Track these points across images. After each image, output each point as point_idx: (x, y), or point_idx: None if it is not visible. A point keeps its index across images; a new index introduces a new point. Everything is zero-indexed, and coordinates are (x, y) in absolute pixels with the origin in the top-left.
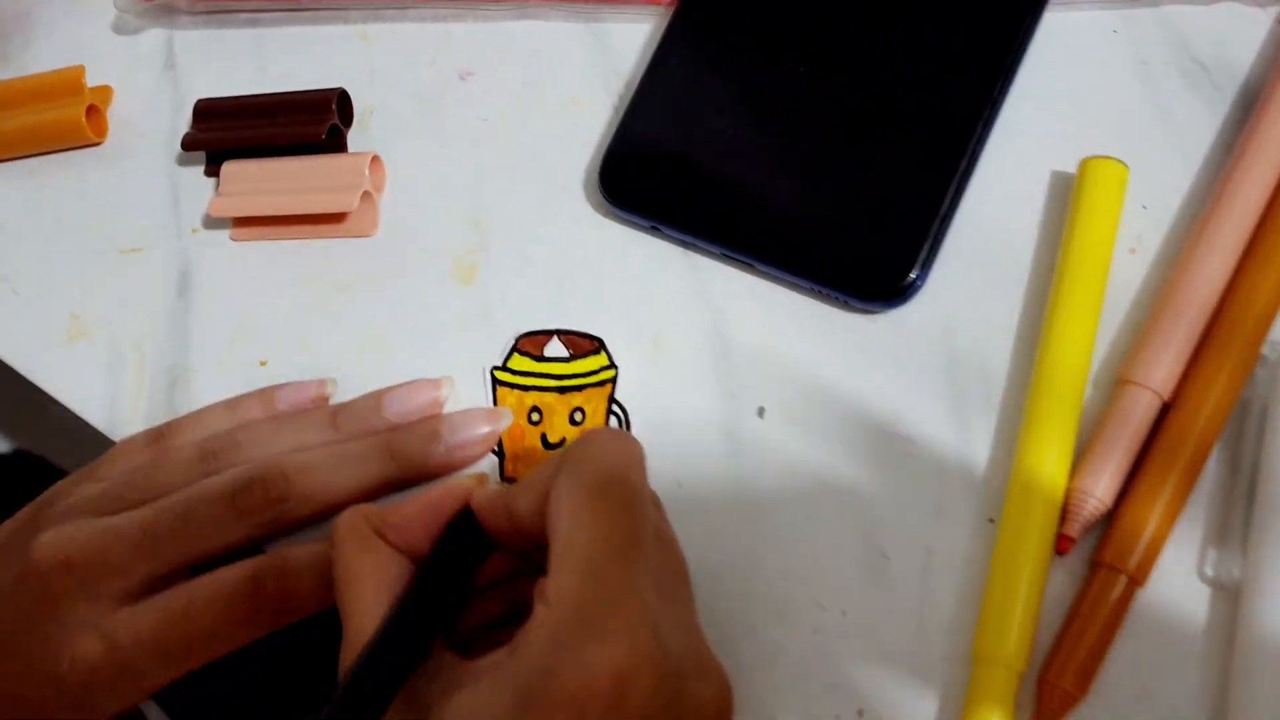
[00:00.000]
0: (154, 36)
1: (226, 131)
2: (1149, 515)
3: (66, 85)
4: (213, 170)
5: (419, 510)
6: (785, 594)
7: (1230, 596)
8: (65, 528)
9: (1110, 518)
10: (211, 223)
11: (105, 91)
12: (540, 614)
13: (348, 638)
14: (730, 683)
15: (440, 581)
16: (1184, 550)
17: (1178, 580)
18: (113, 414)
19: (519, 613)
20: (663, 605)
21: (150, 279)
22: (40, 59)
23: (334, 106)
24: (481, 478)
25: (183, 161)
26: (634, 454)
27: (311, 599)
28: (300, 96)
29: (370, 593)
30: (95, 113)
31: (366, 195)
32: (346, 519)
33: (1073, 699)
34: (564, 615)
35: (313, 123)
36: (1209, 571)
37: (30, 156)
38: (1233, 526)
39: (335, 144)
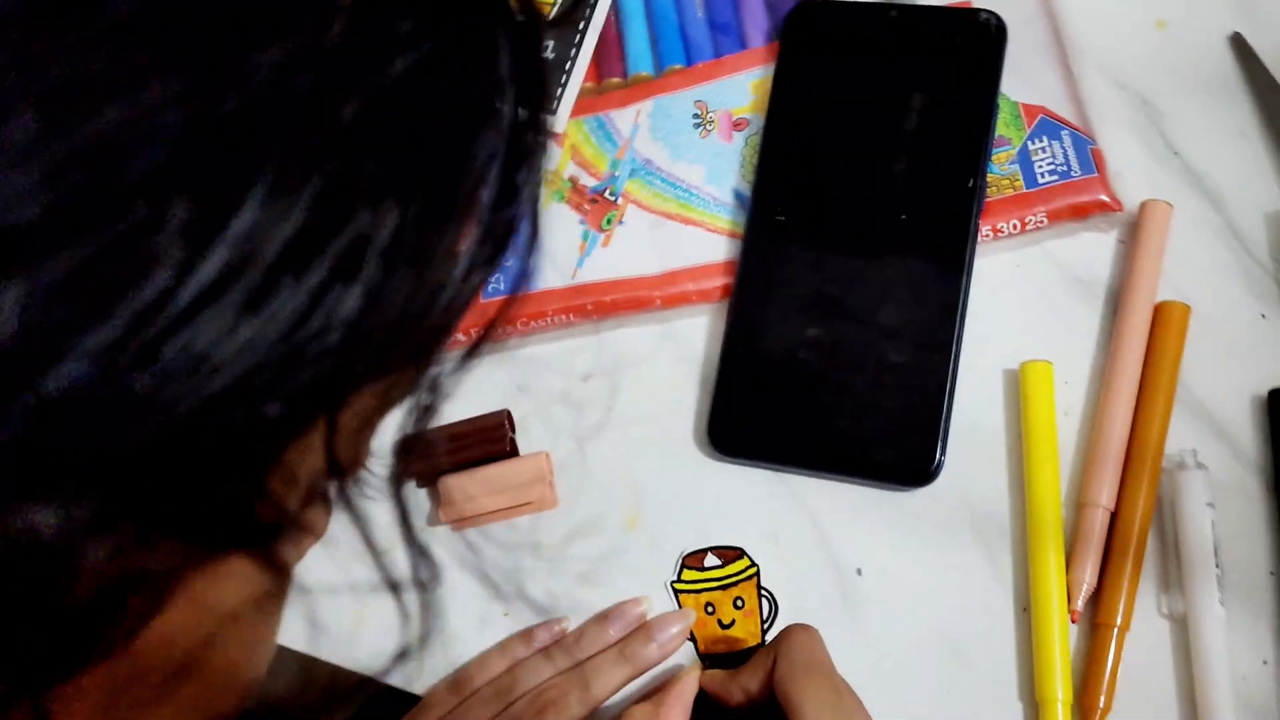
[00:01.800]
0: None
1: (434, 459)
2: (1119, 585)
3: None
4: (423, 483)
5: (673, 699)
6: (904, 682)
7: (1179, 625)
8: None
9: (1097, 594)
10: (435, 520)
11: None
12: None
13: None
14: None
15: None
16: (1148, 600)
17: (1146, 622)
18: (407, 675)
19: None
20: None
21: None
22: None
23: (506, 424)
24: (699, 667)
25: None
26: (819, 639)
27: None
28: (479, 421)
29: None
30: None
31: (548, 482)
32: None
33: (1103, 713)
34: None
35: (497, 439)
36: (1165, 611)
37: None
38: (1173, 577)
39: (513, 449)
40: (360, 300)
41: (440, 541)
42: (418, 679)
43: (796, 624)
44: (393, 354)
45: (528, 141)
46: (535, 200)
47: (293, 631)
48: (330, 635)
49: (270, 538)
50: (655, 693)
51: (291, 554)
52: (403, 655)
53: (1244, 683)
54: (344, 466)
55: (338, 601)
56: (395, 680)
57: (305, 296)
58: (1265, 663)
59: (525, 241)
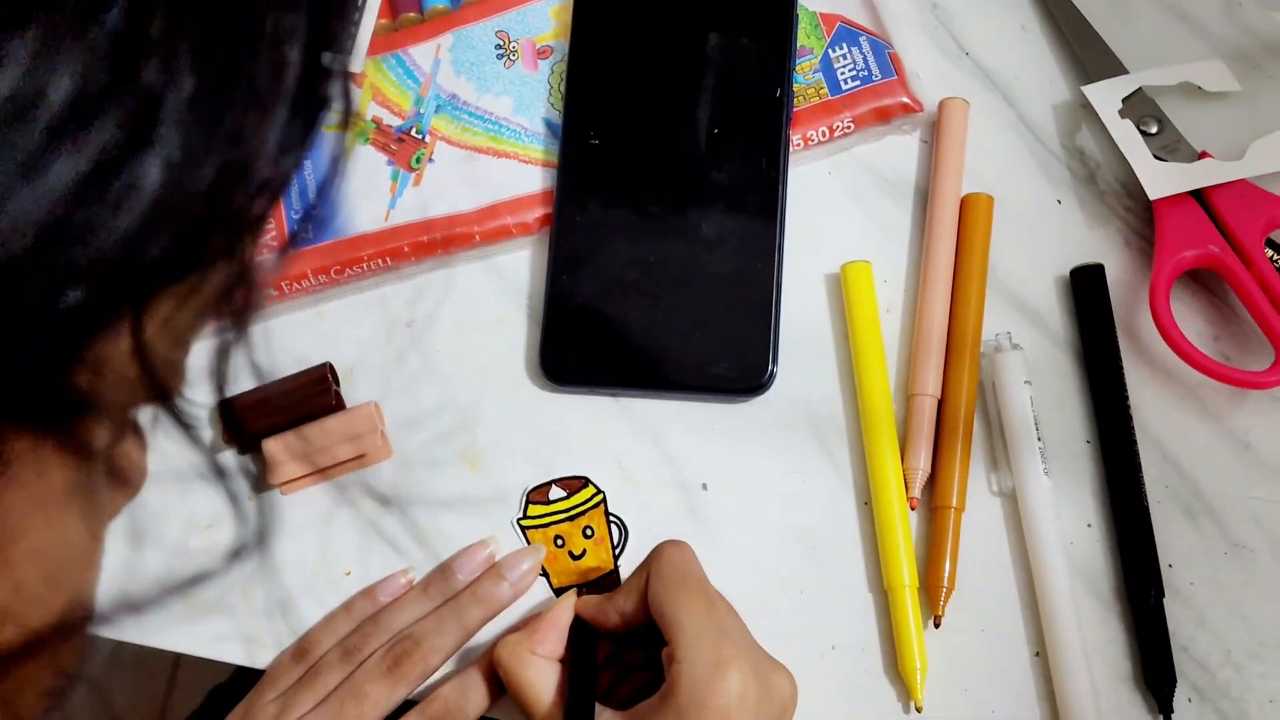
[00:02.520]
0: None
1: (254, 418)
2: (952, 468)
3: None
4: (243, 449)
5: (547, 628)
6: (760, 587)
7: (1010, 500)
8: None
9: (932, 478)
10: (262, 486)
11: None
12: (679, 669)
13: None
14: (784, 665)
15: (583, 666)
16: (978, 481)
17: (980, 500)
18: (251, 652)
19: (629, 669)
20: (738, 635)
21: (231, 544)
22: None
23: (329, 377)
24: (574, 594)
25: (220, 447)
26: (689, 552)
27: (475, 717)
28: (300, 378)
29: (543, 693)
30: None
31: (380, 433)
32: (506, 650)
33: (948, 592)
34: (697, 664)
35: (321, 394)
36: (995, 488)
37: None
38: (1000, 455)
39: (340, 402)
40: (159, 172)
41: (275, 507)
42: (260, 653)
43: (667, 541)
44: (200, 241)
45: (331, 26)
46: (346, 90)
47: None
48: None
49: (73, 418)
50: (529, 623)
51: (108, 503)
52: (238, 553)
53: (1072, 546)
54: (160, 379)
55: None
56: (236, 657)
57: (89, 160)
58: (1089, 525)
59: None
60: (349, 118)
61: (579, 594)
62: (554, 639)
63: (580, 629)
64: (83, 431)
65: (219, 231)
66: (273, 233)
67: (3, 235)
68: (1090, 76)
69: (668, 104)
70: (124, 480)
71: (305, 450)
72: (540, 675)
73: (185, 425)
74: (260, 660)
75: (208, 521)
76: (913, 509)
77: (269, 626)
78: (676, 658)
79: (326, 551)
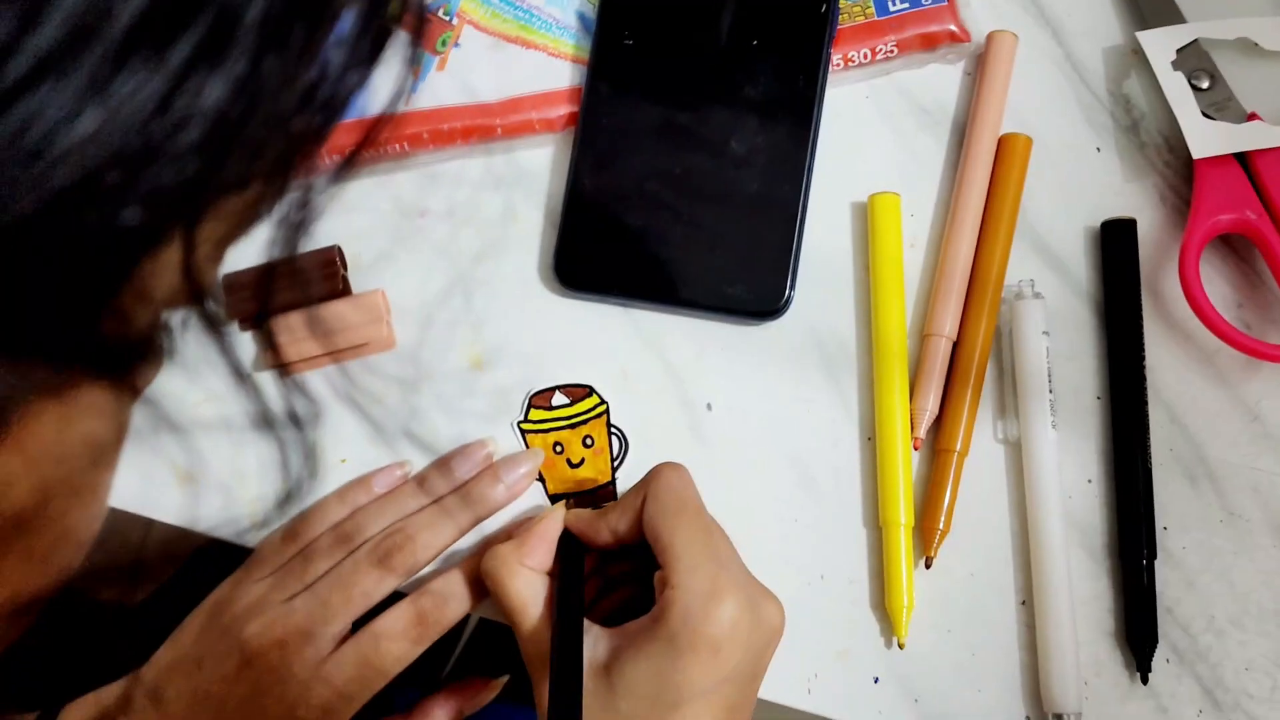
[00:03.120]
0: None
1: (258, 299)
2: (960, 413)
3: None
4: (247, 326)
5: (536, 540)
6: (754, 512)
7: (1014, 449)
8: (264, 618)
9: (939, 420)
10: (260, 365)
11: None
12: (673, 595)
13: (525, 642)
14: (772, 592)
15: (571, 581)
16: (985, 425)
17: (984, 447)
18: (239, 530)
19: (613, 586)
20: (732, 563)
21: (231, 422)
22: None
23: (338, 261)
24: (563, 506)
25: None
26: (688, 478)
27: (455, 617)
28: (308, 258)
29: (530, 605)
30: None
31: (386, 322)
32: (494, 559)
33: (942, 534)
34: (691, 593)
35: (328, 278)
36: (1000, 436)
37: None
38: (1009, 403)
39: (346, 288)
40: (227, 89)
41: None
42: (256, 533)
43: (666, 463)
44: (260, 158)
45: None
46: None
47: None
48: (208, 484)
49: (122, 364)
50: (518, 531)
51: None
52: (287, 499)
53: (1070, 500)
54: (202, 289)
55: (216, 447)
56: (224, 533)
57: (163, 80)
58: (1090, 481)
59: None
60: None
61: (568, 505)
62: (543, 551)
63: (568, 542)
64: (131, 374)
65: (275, 149)
66: None
67: (73, 153)
68: (1146, 22)
69: (708, 9)
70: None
71: (308, 333)
72: (528, 587)
73: (217, 330)
74: (249, 538)
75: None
76: (916, 449)
77: (259, 508)
78: (671, 583)
79: (320, 437)
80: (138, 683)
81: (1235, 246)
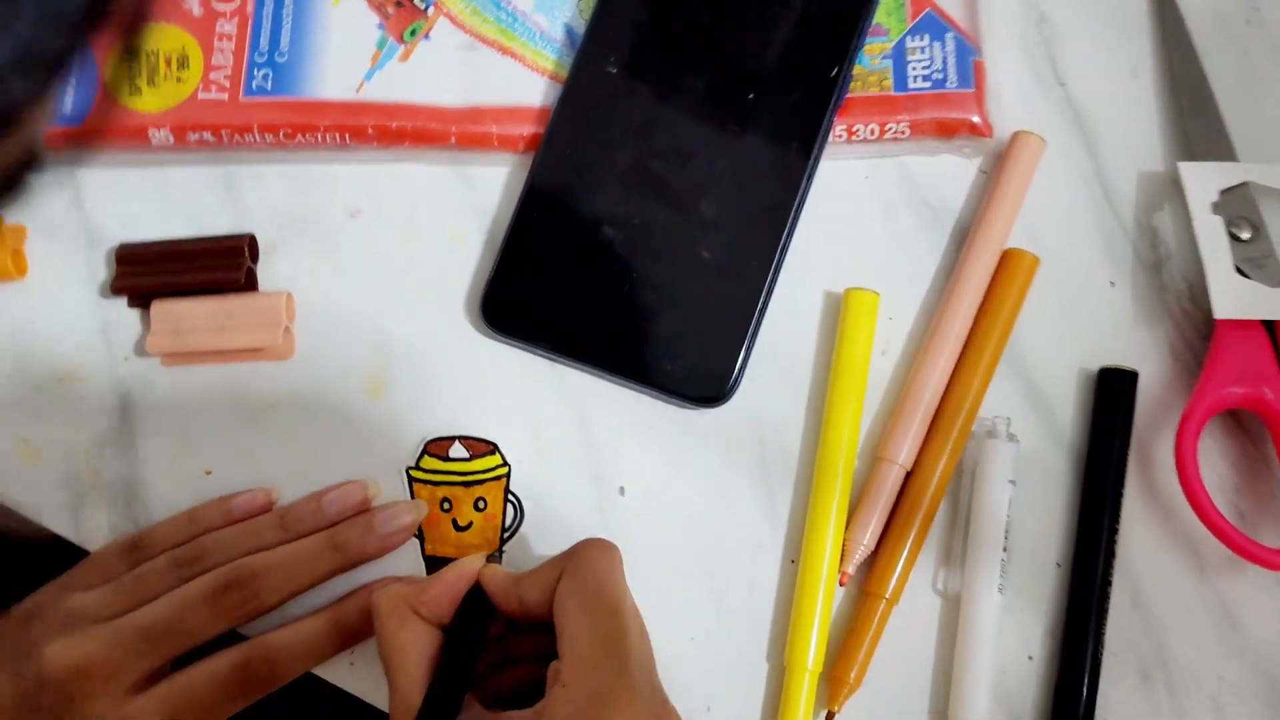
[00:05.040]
0: (60, 176)
1: (150, 275)
2: (898, 554)
3: None
4: (137, 303)
5: (441, 590)
6: (650, 619)
7: (953, 604)
8: (72, 638)
9: (874, 557)
10: (143, 350)
11: (20, 231)
12: (557, 693)
13: (396, 696)
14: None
15: (466, 645)
16: (925, 572)
17: (918, 595)
18: (78, 525)
19: (512, 662)
20: (641, 674)
21: (92, 404)
22: None
23: (246, 251)
24: (482, 559)
25: (105, 294)
26: (615, 561)
27: (290, 675)
28: (215, 243)
29: (413, 661)
30: (15, 253)
31: (285, 329)
32: (387, 601)
33: (851, 688)
34: (579, 699)
35: (230, 267)
36: (940, 587)
37: None
38: (956, 553)
39: (250, 281)
40: None
41: (153, 378)
42: (96, 536)
43: (595, 541)
44: None
45: None
46: None
47: None
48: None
49: None
50: (421, 580)
51: None
52: None
53: (1004, 675)
54: None
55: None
56: (64, 529)
57: None
58: (1030, 658)
59: None
60: None
61: (488, 560)
62: (445, 603)
63: (476, 600)
64: None
65: None
66: (226, 72)
67: None
68: (1192, 152)
69: (707, 51)
70: None
71: (198, 325)
72: (417, 640)
73: None
74: (88, 539)
75: (66, 374)
76: (842, 585)
77: (102, 509)
78: (562, 680)
79: (191, 442)
80: None
81: (1243, 421)
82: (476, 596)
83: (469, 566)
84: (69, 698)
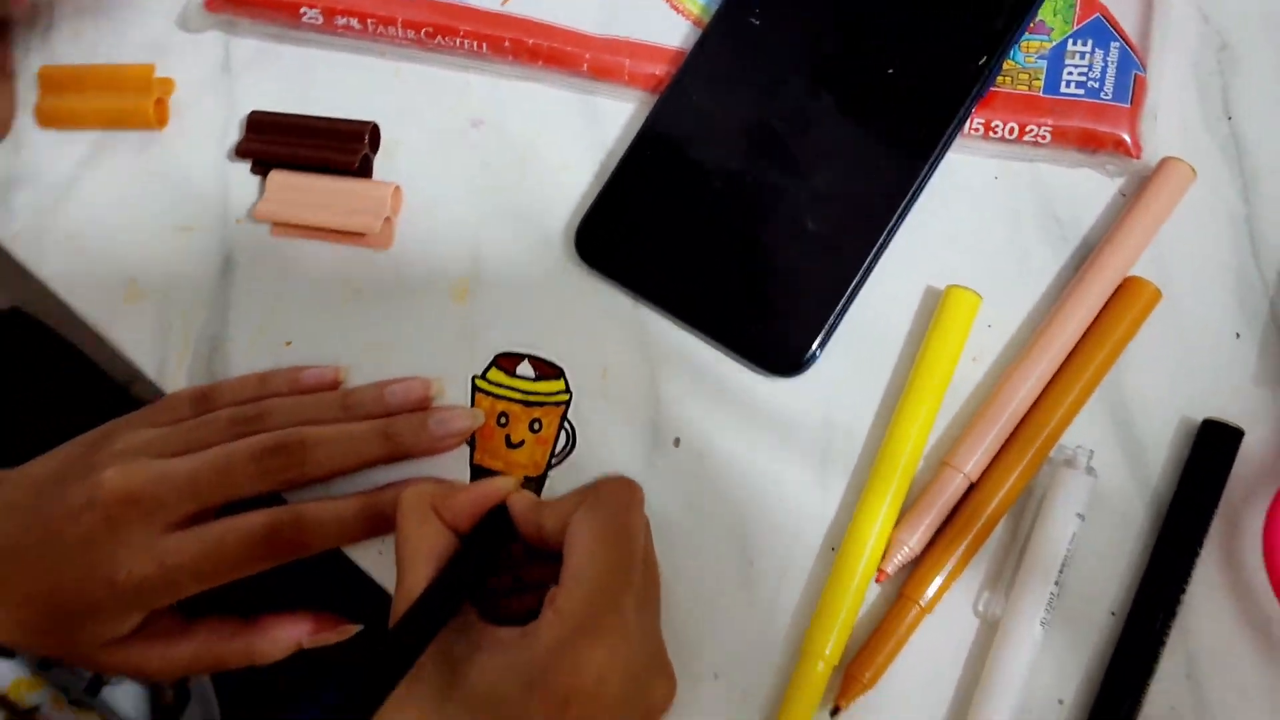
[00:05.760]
0: (214, 39)
1: (275, 145)
2: (943, 563)
3: (138, 79)
4: (259, 170)
5: (468, 500)
6: (676, 576)
7: (990, 629)
8: (128, 466)
9: (917, 562)
10: (254, 215)
11: (168, 84)
12: (549, 617)
13: (400, 588)
14: (675, 678)
15: (475, 557)
16: (968, 590)
17: (955, 612)
18: (162, 369)
19: (521, 586)
20: (638, 616)
21: (198, 258)
22: (113, 45)
23: (367, 139)
24: (518, 482)
25: (232, 157)
26: (636, 500)
27: (317, 547)
28: (340, 125)
29: (423, 557)
30: (159, 103)
31: (386, 219)
32: (413, 496)
33: (865, 688)
34: (567, 625)
35: (349, 150)
36: (980, 608)
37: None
38: (1005, 577)
39: (365, 168)
40: None
41: (259, 244)
42: (175, 381)
43: (620, 478)
44: None
45: None
46: None
47: None
48: None
49: None
50: (454, 484)
51: None
52: None
53: (1027, 714)
54: None
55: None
56: (147, 367)
57: None
58: (1061, 702)
59: None
60: None
61: (528, 482)
62: (468, 514)
63: (498, 518)
64: None
65: None
66: None
67: None
68: None
69: (855, 18)
70: None
71: (307, 199)
72: (429, 539)
73: None
74: (167, 383)
75: (181, 225)
76: (878, 582)
77: (186, 354)
78: (556, 605)
79: (279, 310)
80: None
81: None
82: (499, 515)
83: (501, 485)
84: (114, 520)
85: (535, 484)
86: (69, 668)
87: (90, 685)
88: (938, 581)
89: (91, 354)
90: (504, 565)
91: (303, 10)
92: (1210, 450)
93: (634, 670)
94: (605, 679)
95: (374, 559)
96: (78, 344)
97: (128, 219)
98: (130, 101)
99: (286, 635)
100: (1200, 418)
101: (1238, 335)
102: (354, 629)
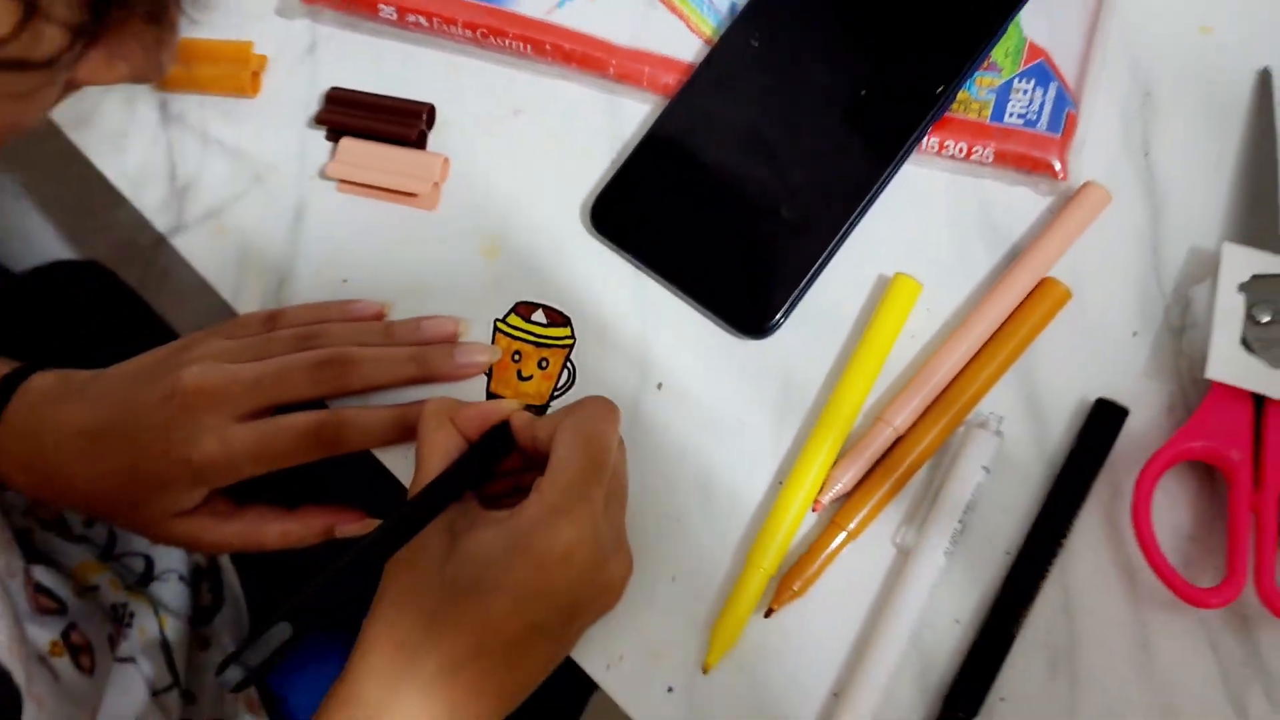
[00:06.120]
0: (303, 26)
1: (347, 117)
2: (868, 498)
3: (238, 53)
4: (332, 137)
5: (477, 413)
6: (645, 493)
7: (904, 558)
8: (205, 366)
9: (848, 497)
10: (325, 174)
11: (262, 59)
12: (533, 499)
13: (416, 476)
14: (633, 561)
15: (478, 457)
16: (889, 524)
17: (876, 542)
18: (237, 293)
19: (519, 490)
20: (606, 510)
21: (276, 205)
22: (219, 26)
23: (424, 117)
24: (520, 405)
25: (311, 125)
26: (613, 415)
27: (354, 446)
28: (402, 104)
29: (436, 454)
30: (254, 75)
31: (435, 184)
32: (434, 405)
33: (794, 595)
34: (547, 505)
35: (408, 125)
36: (897, 540)
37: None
38: (920, 515)
39: (420, 141)
40: None
41: (327, 197)
42: (248, 304)
43: (602, 398)
44: None
45: None
46: None
47: None
48: None
49: None
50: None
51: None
52: None
53: (930, 629)
54: None
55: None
56: (224, 289)
57: None
58: (957, 622)
59: None
60: None
61: (530, 409)
62: (476, 423)
63: (500, 431)
64: None
65: None
66: None
67: None
68: (1246, 237)
69: (837, 47)
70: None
71: (370, 163)
72: (443, 440)
73: None
74: (242, 305)
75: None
76: (814, 510)
77: (260, 284)
78: (538, 489)
79: (339, 253)
80: (95, 376)
81: (1218, 482)
82: (502, 429)
83: (506, 405)
84: (190, 409)
85: (539, 411)
86: (124, 561)
87: (141, 577)
88: (863, 513)
89: (159, 309)
90: (505, 473)
91: (380, 6)
92: (1100, 424)
93: (598, 547)
94: (572, 551)
95: (400, 463)
96: (148, 299)
97: (224, 172)
98: (230, 71)
99: (320, 521)
100: (1094, 396)
101: (1134, 334)
102: (376, 523)
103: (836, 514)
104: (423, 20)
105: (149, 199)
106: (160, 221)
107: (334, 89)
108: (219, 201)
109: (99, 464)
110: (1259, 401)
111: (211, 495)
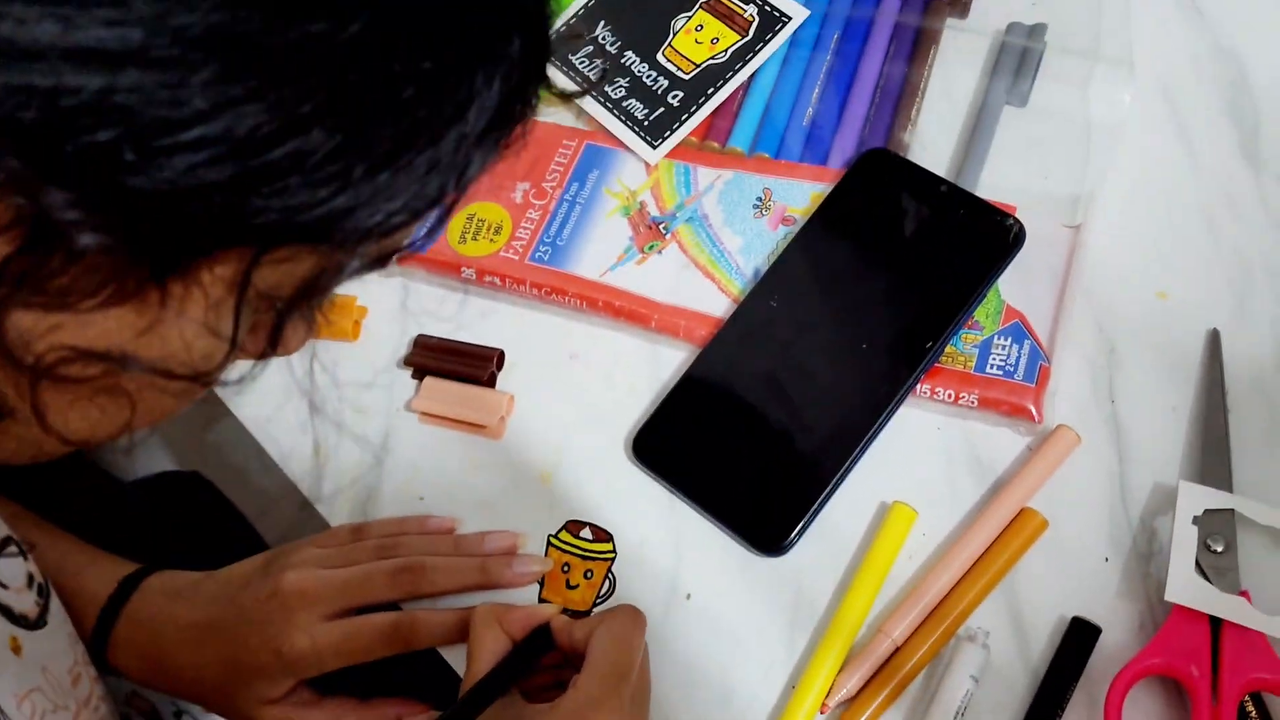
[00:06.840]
0: (397, 283)
1: (430, 359)
2: (870, 702)
3: (344, 305)
4: (417, 376)
5: (522, 616)
6: (668, 703)
7: None
8: (303, 572)
9: (852, 700)
10: (409, 407)
11: (363, 309)
12: (570, 693)
13: (468, 674)
14: None
15: (523, 657)
16: None
17: None
18: (331, 508)
19: (558, 685)
20: (632, 706)
21: (367, 432)
22: None
23: (495, 360)
24: (560, 609)
25: (400, 365)
26: (640, 624)
27: (425, 644)
28: (476, 349)
29: (486, 653)
30: (355, 323)
31: (501, 418)
32: (484, 610)
33: None
34: (582, 698)
35: (480, 368)
36: None
37: None
38: (916, 718)
39: (490, 381)
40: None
41: (410, 426)
42: (339, 517)
43: (631, 607)
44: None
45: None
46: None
47: None
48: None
49: None
50: (513, 606)
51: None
52: None
53: None
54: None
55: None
56: (324, 511)
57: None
58: None
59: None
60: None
61: (562, 611)
62: (521, 624)
63: (541, 632)
64: None
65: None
66: (522, 242)
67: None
68: (1200, 476)
69: (845, 307)
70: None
71: (448, 399)
72: (492, 641)
73: None
74: (334, 518)
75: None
76: (822, 712)
77: (350, 498)
78: (574, 685)
79: (418, 474)
80: (206, 577)
81: (1183, 697)
82: (543, 631)
83: (548, 610)
84: (287, 608)
85: (582, 616)
86: None
87: None
88: (865, 716)
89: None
90: (546, 670)
91: (462, 269)
92: (1075, 640)
93: None
94: None
95: (460, 659)
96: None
97: (323, 399)
98: (336, 319)
99: (392, 712)
100: (1071, 614)
101: (1106, 559)
102: (438, 714)
103: (842, 715)
104: (497, 280)
105: (247, 407)
106: (257, 430)
107: (421, 335)
108: (336, 428)
109: (205, 653)
110: (1215, 623)
111: (298, 686)
